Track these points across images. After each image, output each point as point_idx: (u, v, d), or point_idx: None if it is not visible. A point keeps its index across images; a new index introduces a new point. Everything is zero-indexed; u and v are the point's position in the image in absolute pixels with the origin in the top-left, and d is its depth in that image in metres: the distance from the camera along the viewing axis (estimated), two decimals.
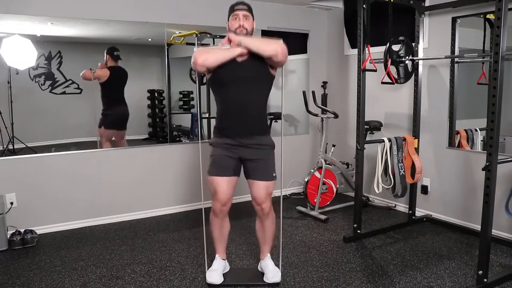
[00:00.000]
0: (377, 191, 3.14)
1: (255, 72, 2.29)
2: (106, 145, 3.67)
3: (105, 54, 3.61)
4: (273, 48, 2.22)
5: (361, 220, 3.19)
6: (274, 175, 2.40)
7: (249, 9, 2.35)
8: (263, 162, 2.37)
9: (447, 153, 3.43)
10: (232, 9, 2.36)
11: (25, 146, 3.31)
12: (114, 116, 3.74)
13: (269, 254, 2.56)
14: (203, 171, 2.44)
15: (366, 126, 3.66)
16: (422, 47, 3.35)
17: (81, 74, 3.50)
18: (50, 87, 3.40)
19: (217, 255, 2.55)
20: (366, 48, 2.87)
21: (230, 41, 2.27)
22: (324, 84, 4.44)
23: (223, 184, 2.34)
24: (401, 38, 3.03)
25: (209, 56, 2.21)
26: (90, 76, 3.53)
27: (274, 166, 2.42)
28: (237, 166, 2.38)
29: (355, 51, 3.06)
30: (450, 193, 3.45)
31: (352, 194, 3.79)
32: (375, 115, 3.88)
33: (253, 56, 2.25)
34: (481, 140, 3.31)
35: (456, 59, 3.27)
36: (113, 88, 3.71)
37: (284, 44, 2.27)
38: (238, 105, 2.30)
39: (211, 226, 2.49)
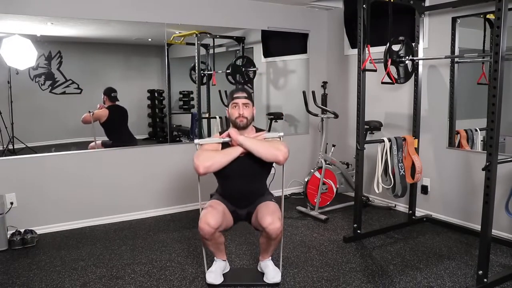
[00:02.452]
0: (377, 191, 3.14)
1: (255, 166, 2.36)
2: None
3: (102, 95, 3.64)
4: (274, 154, 2.27)
5: (361, 220, 3.19)
6: (273, 200, 2.45)
7: (249, 96, 2.39)
8: (261, 200, 2.45)
9: (447, 153, 3.43)
10: (231, 97, 2.39)
11: (25, 146, 3.31)
12: (121, 145, 3.75)
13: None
14: None
15: (366, 126, 3.66)
16: (422, 47, 3.35)
17: (81, 119, 3.54)
18: (50, 87, 3.40)
19: (216, 257, 2.54)
20: (366, 48, 2.87)
21: (230, 135, 2.33)
22: (324, 84, 4.44)
23: (220, 209, 2.35)
24: (401, 38, 3.02)
25: (212, 164, 2.25)
26: (90, 119, 3.56)
27: (272, 197, 2.51)
28: (235, 214, 2.46)
29: (355, 51, 3.06)
30: (450, 193, 3.45)
31: (352, 194, 3.79)
32: (375, 115, 3.88)
33: None
34: (481, 140, 3.31)
35: (456, 59, 3.27)
36: (115, 126, 3.76)
37: (285, 146, 2.31)
38: (241, 193, 2.43)
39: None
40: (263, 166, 2.39)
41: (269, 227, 2.23)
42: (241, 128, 2.37)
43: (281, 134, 2.37)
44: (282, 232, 2.33)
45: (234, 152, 2.28)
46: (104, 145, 3.67)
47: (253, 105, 2.41)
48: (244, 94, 2.38)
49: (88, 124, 3.55)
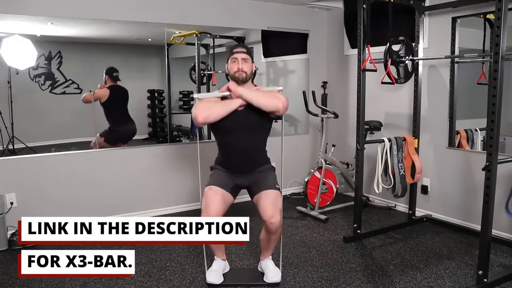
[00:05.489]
0: (377, 191, 3.14)
1: (255, 119, 2.33)
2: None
3: (104, 75, 3.62)
4: (274, 104, 2.25)
5: (361, 220, 3.19)
6: (277, 186, 2.40)
7: (248, 52, 2.38)
8: (263, 176, 2.42)
9: (447, 153, 3.43)
10: (231, 52, 2.38)
11: (25, 146, 3.31)
12: (121, 133, 3.78)
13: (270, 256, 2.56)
14: (202, 171, 2.44)
15: (366, 126, 3.66)
16: (422, 47, 3.35)
17: (81, 98, 3.52)
18: (50, 87, 3.40)
19: (216, 256, 2.55)
20: (366, 48, 2.87)
21: (229, 88, 2.30)
22: (324, 84, 4.44)
23: (217, 197, 2.30)
24: (401, 38, 3.02)
25: (211, 113, 2.25)
26: (91, 98, 3.54)
27: (276, 181, 2.44)
28: (235, 188, 2.43)
29: (355, 51, 3.06)
30: (450, 193, 3.45)
31: (352, 194, 3.79)
32: (375, 115, 3.88)
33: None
34: (481, 140, 3.31)
35: (456, 59, 3.27)
36: (115, 107, 3.74)
37: (284, 97, 2.29)
38: (240, 151, 2.37)
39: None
40: (262, 120, 2.35)
41: (270, 221, 2.25)
42: (240, 82, 2.35)
43: (280, 88, 2.35)
44: (281, 225, 2.34)
45: (233, 103, 2.27)
46: (104, 136, 3.65)
47: (252, 61, 2.39)
48: (244, 50, 2.36)
49: (89, 103, 3.53)
